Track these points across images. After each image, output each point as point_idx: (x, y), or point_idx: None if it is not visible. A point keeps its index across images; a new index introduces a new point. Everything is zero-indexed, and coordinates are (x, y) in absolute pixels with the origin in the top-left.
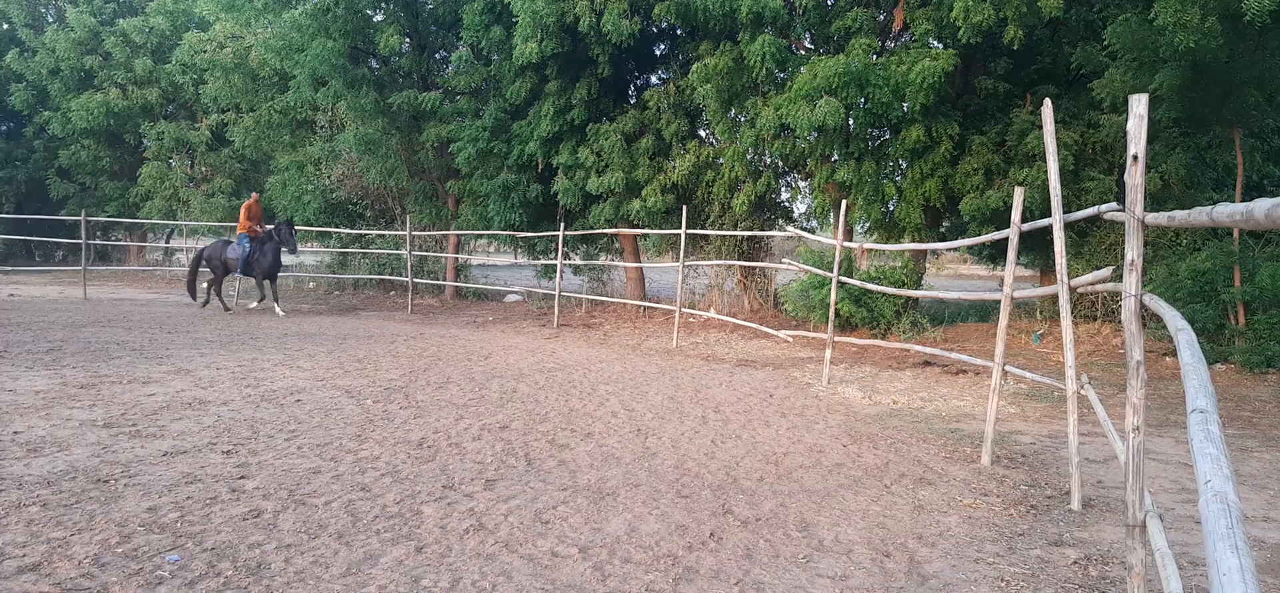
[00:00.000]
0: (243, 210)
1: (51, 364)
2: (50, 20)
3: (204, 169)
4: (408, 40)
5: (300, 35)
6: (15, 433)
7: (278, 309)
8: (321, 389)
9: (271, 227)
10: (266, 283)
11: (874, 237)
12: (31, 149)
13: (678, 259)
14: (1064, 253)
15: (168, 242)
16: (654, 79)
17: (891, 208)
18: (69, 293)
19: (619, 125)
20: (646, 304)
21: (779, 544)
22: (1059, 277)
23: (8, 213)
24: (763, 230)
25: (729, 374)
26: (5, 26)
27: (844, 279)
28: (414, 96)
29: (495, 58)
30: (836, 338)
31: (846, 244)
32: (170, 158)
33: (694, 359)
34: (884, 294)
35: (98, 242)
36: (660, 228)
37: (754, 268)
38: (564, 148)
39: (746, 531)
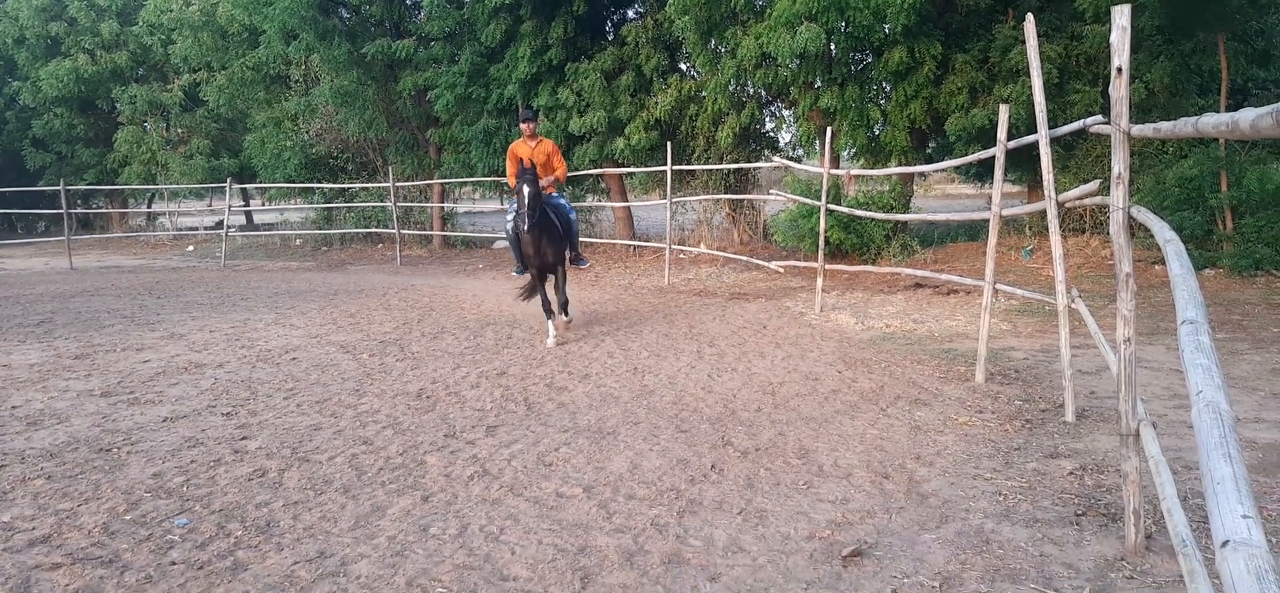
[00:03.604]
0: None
1: (44, 336)
2: None
3: (180, 131)
4: None
5: None
6: (13, 407)
7: None
8: (316, 346)
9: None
10: None
11: (860, 162)
12: (4, 120)
13: (664, 196)
14: (1051, 168)
15: (149, 206)
16: (630, 13)
17: (877, 132)
18: (54, 264)
19: (598, 63)
20: (636, 244)
21: (779, 472)
22: (1047, 192)
23: None
24: (749, 162)
25: (722, 308)
26: None
27: (832, 207)
28: (387, 45)
29: (468, 1)
30: (827, 266)
31: (833, 171)
32: (145, 121)
33: (686, 295)
34: (873, 220)
35: (79, 211)
36: (645, 165)
37: (742, 200)
38: (543, 89)
39: (747, 461)
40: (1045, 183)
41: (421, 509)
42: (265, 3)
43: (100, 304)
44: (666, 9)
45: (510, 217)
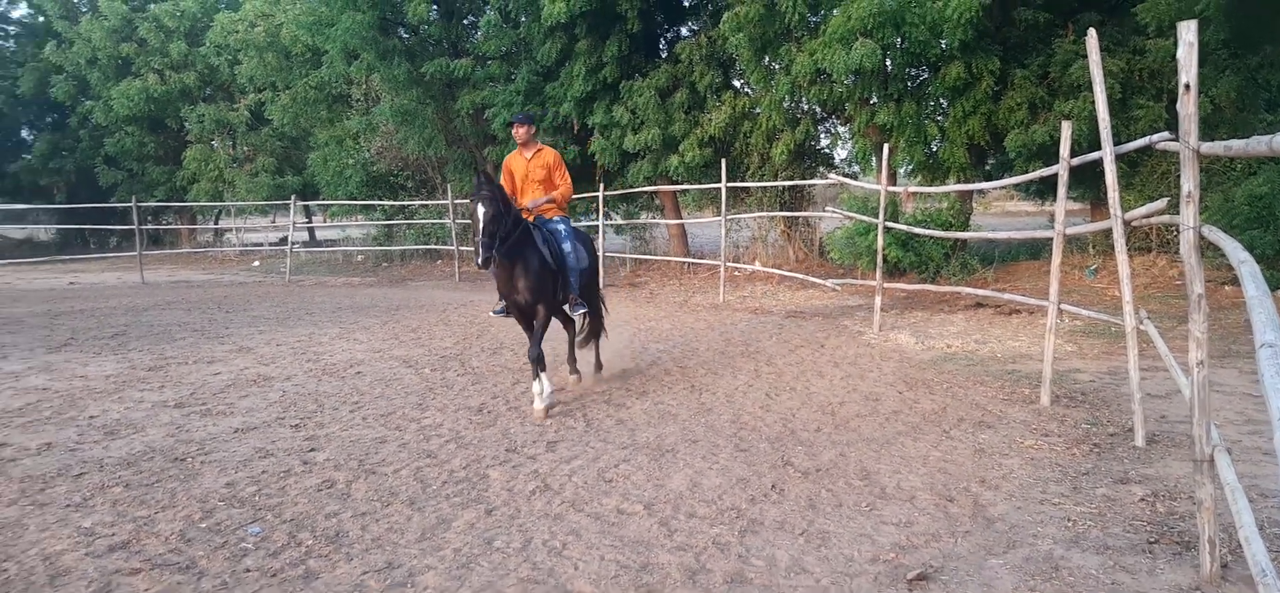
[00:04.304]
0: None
1: (118, 348)
2: (83, 10)
3: (246, 149)
4: (435, 7)
5: (329, 9)
6: (91, 417)
7: None
8: (380, 361)
9: None
10: None
11: (918, 179)
12: (78, 139)
13: (718, 213)
14: (1116, 186)
15: (217, 223)
16: (684, 31)
17: (934, 148)
18: (126, 278)
19: (652, 81)
20: (691, 261)
21: (841, 493)
22: (1112, 211)
23: (60, 203)
24: (804, 179)
25: (778, 326)
26: (41, 19)
27: (890, 224)
28: (446, 64)
29: (524, 20)
30: (885, 285)
31: (891, 188)
32: (212, 140)
33: (742, 313)
34: (931, 237)
35: (149, 226)
36: (699, 182)
37: (797, 218)
38: (598, 107)
39: (808, 481)
40: (1110, 201)
41: (485, 523)
42: (328, 23)
43: (171, 318)
44: (720, 26)
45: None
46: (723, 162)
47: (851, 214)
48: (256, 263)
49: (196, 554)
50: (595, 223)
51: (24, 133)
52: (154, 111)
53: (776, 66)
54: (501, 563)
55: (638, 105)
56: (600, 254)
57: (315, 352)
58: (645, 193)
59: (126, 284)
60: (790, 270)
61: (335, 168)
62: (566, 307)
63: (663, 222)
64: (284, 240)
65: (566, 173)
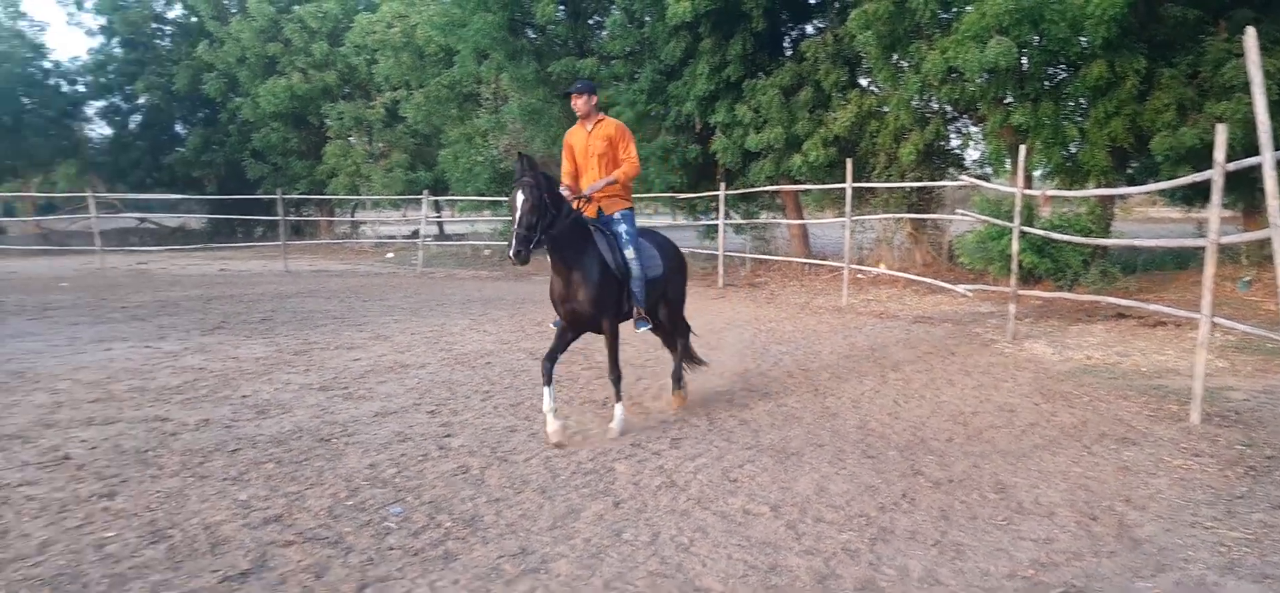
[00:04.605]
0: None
1: (266, 333)
2: (233, 11)
3: (381, 145)
4: (562, 8)
5: (461, 10)
6: (244, 397)
7: None
8: (508, 352)
9: None
10: None
11: (1055, 182)
12: (227, 134)
13: (841, 214)
14: (1276, 193)
15: (353, 215)
16: (809, 29)
17: (1073, 151)
18: (270, 266)
19: (776, 80)
20: (812, 262)
21: (975, 506)
22: (1271, 219)
23: (211, 194)
24: (932, 180)
25: (905, 331)
26: (194, 20)
27: (1026, 228)
28: (572, 64)
29: (648, 19)
30: (1019, 291)
31: (1027, 191)
32: (350, 136)
33: (866, 317)
34: (1069, 243)
35: (291, 218)
36: (823, 182)
37: (925, 220)
38: (721, 106)
39: (939, 492)
40: (1270, 209)
41: (614, 515)
42: (460, 24)
43: (313, 305)
44: (847, 24)
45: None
46: (848, 162)
47: (984, 217)
48: (390, 255)
49: (344, 530)
50: (715, 222)
51: (178, 127)
52: (297, 108)
53: (905, 64)
54: (630, 555)
55: (761, 104)
56: (720, 253)
57: (447, 342)
58: (766, 192)
59: (271, 272)
60: (917, 274)
61: (465, 164)
62: (632, 321)
63: (784, 221)
64: (415, 233)
65: (632, 146)
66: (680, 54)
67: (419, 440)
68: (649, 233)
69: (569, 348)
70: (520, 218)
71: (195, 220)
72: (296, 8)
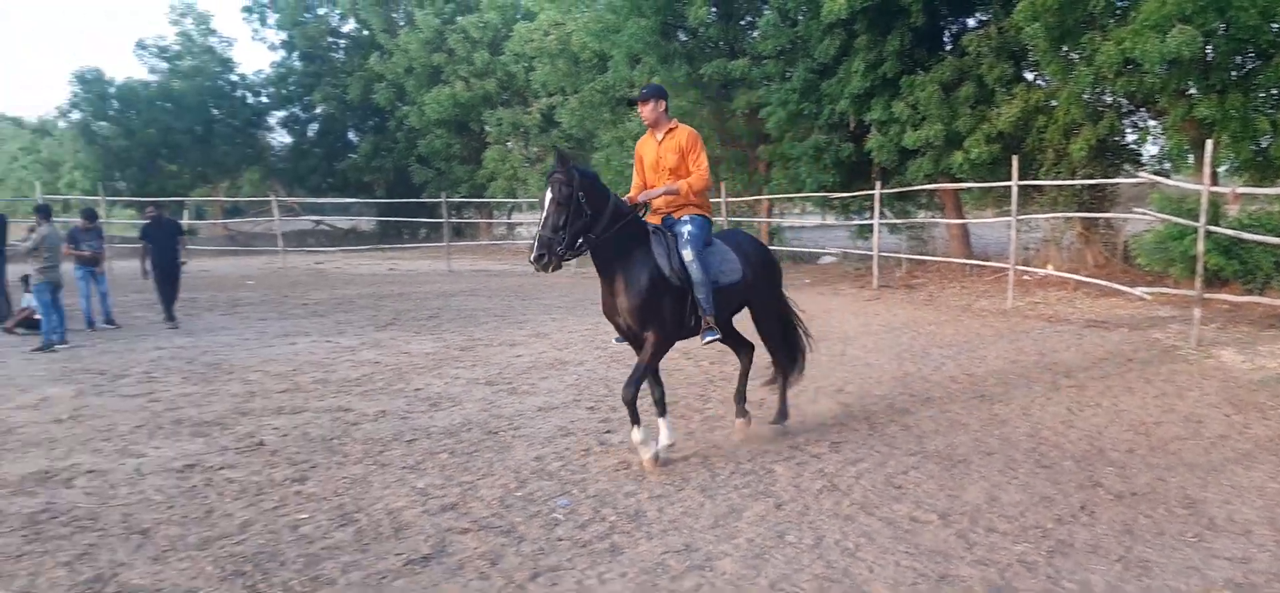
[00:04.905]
0: None
1: (433, 330)
2: (402, 24)
3: (537, 149)
4: (714, 10)
5: (616, 17)
6: (417, 389)
7: None
8: None
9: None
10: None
11: (1243, 178)
12: (395, 141)
13: (1002, 212)
14: None
15: (510, 217)
16: (971, 22)
17: (1264, 145)
18: (435, 266)
19: (935, 75)
20: (974, 262)
21: (1161, 521)
22: None
23: (380, 197)
24: (1105, 177)
25: (1077, 336)
26: (366, 33)
27: (1212, 228)
28: (723, 65)
29: (802, 18)
30: (1205, 295)
31: (1214, 188)
32: (508, 141)
33: (1033, 320)
34: (1262, 244)
35: (454, 220)
36: (985, 181)
37: (1097, 219)
38: (876, 103)
39: (1121, 505)
40: None
41: (775, 516)
42: (613, 30)
43: (475, 303)
44: (1013, 16)
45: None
46: (1014, 159)
47: (1165, 216)
48: None
49: (515, 520)
50: (869, 222)
51: (351, 135)
52: (459, 115)
53: (1076, 57)
54: (795, 558)
55: (919, 100)
56: (874, 254)
57: (603, 340)
58: (924, 191)
59: (435, 272)
60: (1088, 276)
61: (617, 168)
62: (702, 335)
63: (942, 221)
64: None
65: (703, 157)
66: (834, 51)
67: (581, 435)
68: (729, 234)
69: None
70: (545, 218)
71: (366, 222)
72: (460, 19)
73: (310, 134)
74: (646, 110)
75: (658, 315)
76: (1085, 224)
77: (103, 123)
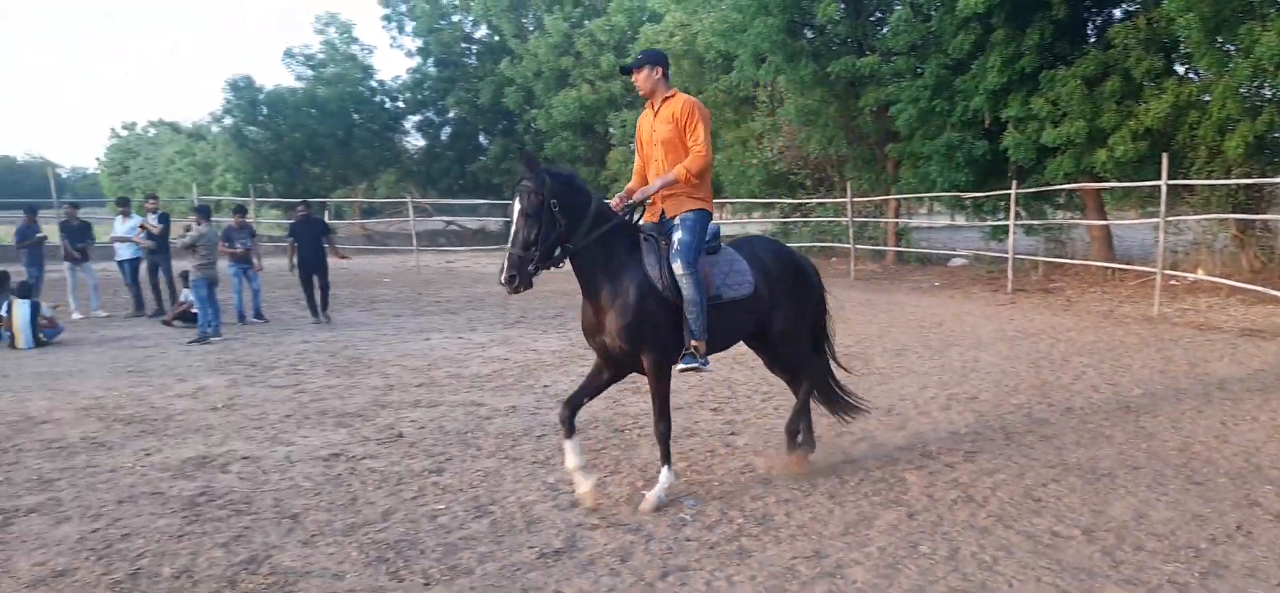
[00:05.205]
0: None
1: (558, 328)
2: (532, 29)
3: None
4: (843, 6)
5: (741, 16)
6: (545, 386)
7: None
8: None
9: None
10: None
11: None
12: (523, 143)
13: (1147, 214)
14: None
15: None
16: (1117, 14)
17: None
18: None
19: (1078, 69)
20: (1116, 266)
21: None
22: None
23: (509, 199)
24: (1264, 176)
25: (1230, 345)
26: (497, 38)
27: None
28: (851, 63)
29: (935, 12)
30: None
31: None
32: (631, 143)
33: (1182, 328)
34: None
35: None
36: (1130, 180)
37: (1254, 221)
38: (1014, 99)
39: None
40: None
41: (908, 526)
42: (739, 30)
43: None
44: (1163, 6)
45: None
46: (1163, 157)
47: None
48: None
49: (643, 519)
50: (1003, 223)
51: (481, 138)
52: (584, 118)
53: (1233, 48)
54: (929, 569)
55: (1060, 96)
56: (1009, 256)
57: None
58: (1063, 191)
59: (559, 272)
60: (1243, 281)
61: (739, 167)
62: (681, 358)
63: (1083, 222)
64: None
65: (702, 133)
66: (969, 46)
67: (705, 437)
68: (749, 241)
69: (603, 392)
70: (514, 234)
71: (493, 222)
72: (587, 23)
73: (443, 137)
74: (641, 78)
75: (653, 335)
76: (1240, 226)
77: (253, 127)
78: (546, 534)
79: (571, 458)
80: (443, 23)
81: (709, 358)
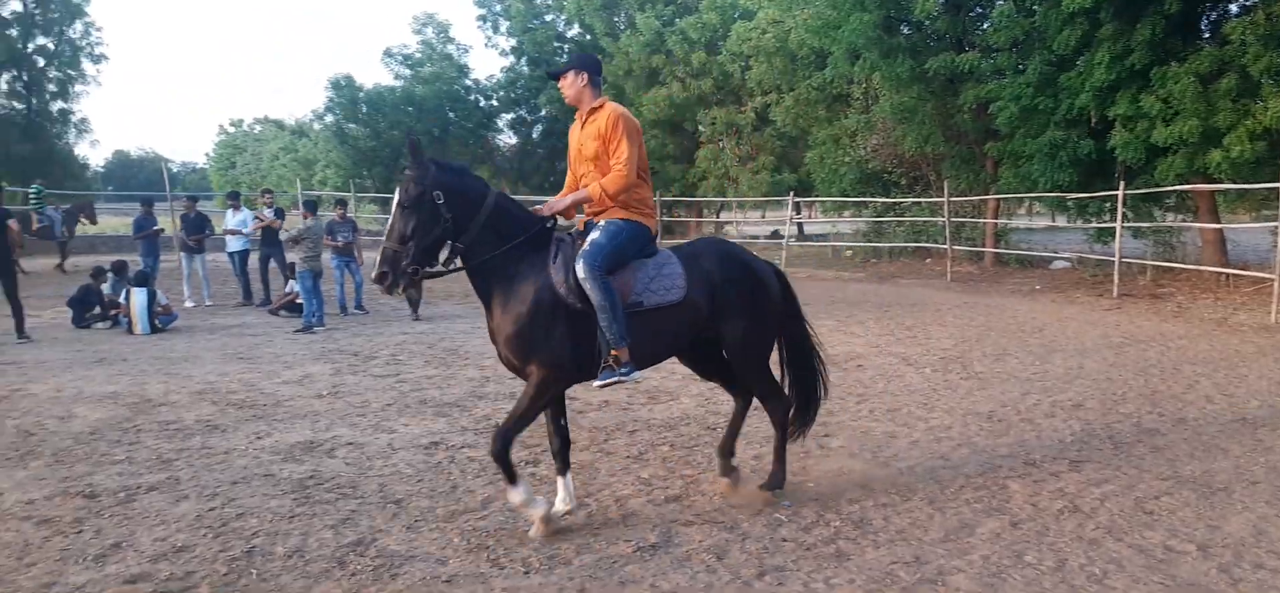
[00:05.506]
0: None
1: None
2: (623, 28)
3: (749, 148)
4: (942, 2)
5: (836, 12)
6: (635, 381)
7: None
8: (878, 356)
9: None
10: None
11: None
12: None
13: (1265, 217)
14: None
15: (718, 216)
16: (1233, 9)
17: None
18: None
19: (1191, 66)
20: (1231, 271)
21: None
22: None
23: None
24: None
25: None
26: (589, 37)
27: None
28: (950, 59)
29: (1039, 8)
30: None
31: None
32: (721, 140)
33: None
34: None
35: (665, 218)
36: (1248, 182)
37: None
38: (1122, 97)
39: None
40: None
41: (1011, 535)
42: (834, 26)
43: None
44: None
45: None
46: None
47: None
48: None
49: (738, 516)
50: (1109, 225)
51: None
52: (674, 115)
53: None
54: (1035, 579)
55: (1171, 93)
56: (1115, 259)
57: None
58: (1174, 192)
59: None
60: None
61: (831, 165)
62: (600, 374)
63: (1195, 225)
64: (776, 234)
65: (626, 150)
66: (1074, 43)
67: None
68: (698, 243)
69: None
70: (390, 227)
71: None
72: (679, 21)
73: (535, 135)
74: (565, 85)
75: (544, 344)
76: None
77: (353, 125)
78: (642, 529)
79: (517, 494)
80: (536, 22)
81: (635, 370)
